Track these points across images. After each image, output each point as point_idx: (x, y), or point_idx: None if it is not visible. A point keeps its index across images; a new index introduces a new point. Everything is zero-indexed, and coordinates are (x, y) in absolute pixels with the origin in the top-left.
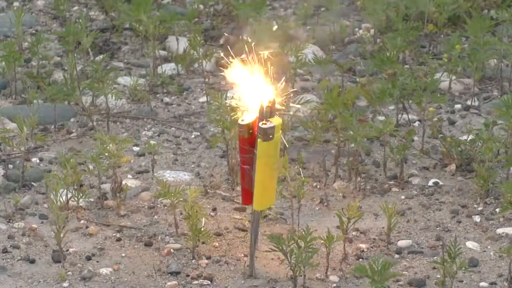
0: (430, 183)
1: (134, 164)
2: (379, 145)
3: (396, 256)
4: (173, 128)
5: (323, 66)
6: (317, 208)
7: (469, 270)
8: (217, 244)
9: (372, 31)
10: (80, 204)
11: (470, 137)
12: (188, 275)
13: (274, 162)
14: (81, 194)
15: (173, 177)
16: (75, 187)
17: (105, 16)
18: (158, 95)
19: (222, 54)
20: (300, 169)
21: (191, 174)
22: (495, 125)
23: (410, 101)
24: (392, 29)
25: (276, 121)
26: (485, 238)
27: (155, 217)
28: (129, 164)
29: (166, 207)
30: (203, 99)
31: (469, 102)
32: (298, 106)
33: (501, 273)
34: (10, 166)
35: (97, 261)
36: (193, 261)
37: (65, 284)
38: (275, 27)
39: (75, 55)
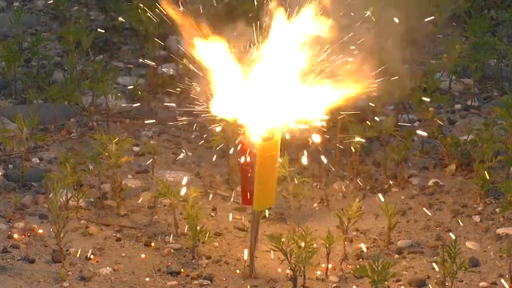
0: (430, 183)
1: (134, 164)
2: (379, 145)
3: (396, 256)
4: (173, 128)
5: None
6: (317, 208)
7: (469, 270)
8: (217, 244)
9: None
10: (80, 204)
11: (470, 137)
12: (188, 275)
13: (274, 162)
14: (81, 194)
15: (173, 177)
16: (75, 187)
17: (105, 16)
18: (158, 95)
19: None
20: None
21: (191, 174)
22: (495, 125)
23: (410, 101)
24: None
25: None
26: (485, 238)
27: (155, 217)
28: (129, 164)
29: (166, 207)
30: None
31: (469, 102)
32: None
33: (501, 273)
34: (10, 166)
35: (97, 261)
36: (193, 261)
37: (65, 284)
38: None
39: (75, 55)
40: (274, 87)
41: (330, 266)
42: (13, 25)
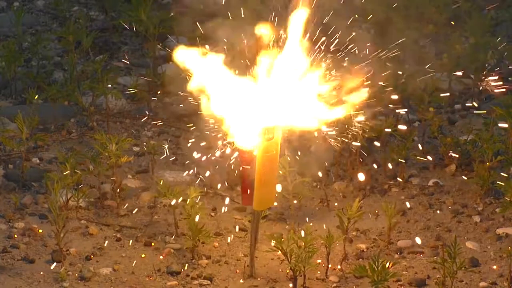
0: (430, 183)
1: (134, 164)
2: (379, 145)
3: (396, 256)
4: (173, 128)
5: None
6: (317, 208)
7: (469, 270)
8: (217, 244)
9: (372, 31)
10: (80, 204)
11: (470, 137)
12: (188, 275)
13: (274, 162)
14: (81, 194)
15: (173, 177)
16: (75, 187)
17: (105, 16)
18: (158, 95)
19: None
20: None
21: (191, 174)
22: (495, 125)
23: (410, 101)
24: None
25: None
26: (485, 238)
27: (155, 217)
28: (129, 164)
29: (166, 207)
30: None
31: (469, 102)
32: None
33: (501, 273)
34: (10, 166)
35: (97, 261)
36: (193, 261)
37: (65, 284)
38: None
39: (75, 55)
40: (275, 87)
41: (330, 266)
42: (13, 25)
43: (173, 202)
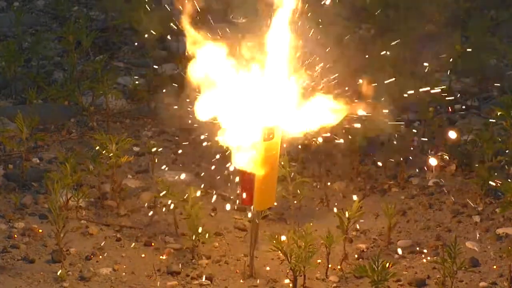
0: (430, 183)
1: (134, 164)
2: (380, 145)
3: (396, 256)
4: (173, 128)
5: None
6: (317, 208)
7: (469, 270)
8: (217, 244)
9: (372, 31)
10: (80, 204)
11: (470, 137)
12: (188, 275)
13: (275, 162)
14: (81, 194)
15: (173, 177)
16: (75, 187)
17: (105, 16)
18: (158, 95)
19: None
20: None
21: (191, 174)
22: (495, 125)
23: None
24: (392, 29)
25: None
26: (485, 238)
27: (155, 217)
28: (129, 164)
29: (166, 207)
30: None
31: (469, 102)
32: None
33: (501, 273)
34: (10, 166)
35: (97, 261)
36: (193, 261)
37: (65, 284)
38: None
39: (75, 55)
40: (272, 87)
41: (330, 266)
42: (13, 25)
43: (172, 203)
